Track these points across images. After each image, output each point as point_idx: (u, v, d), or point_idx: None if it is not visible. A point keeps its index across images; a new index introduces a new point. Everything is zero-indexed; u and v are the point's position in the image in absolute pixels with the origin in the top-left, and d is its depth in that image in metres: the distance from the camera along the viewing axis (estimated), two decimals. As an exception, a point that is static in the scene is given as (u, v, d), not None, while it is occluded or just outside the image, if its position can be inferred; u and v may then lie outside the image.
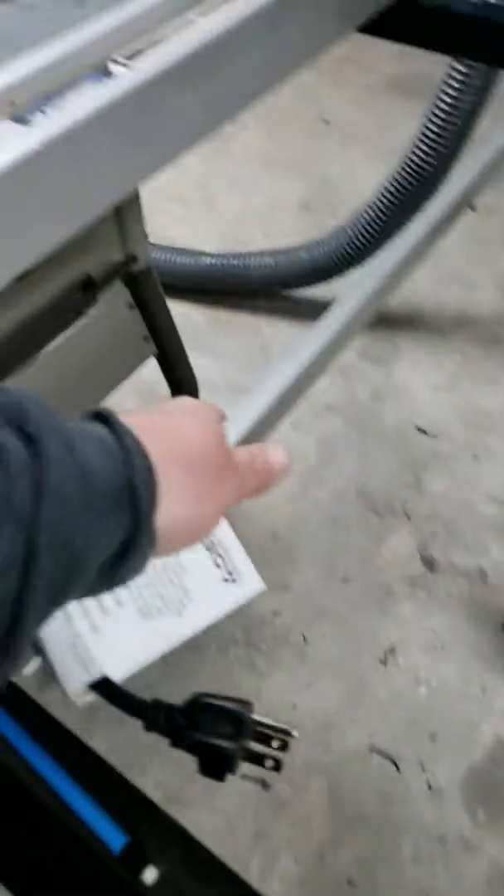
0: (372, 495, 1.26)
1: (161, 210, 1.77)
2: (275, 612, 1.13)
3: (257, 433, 0.91)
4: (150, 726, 0.34)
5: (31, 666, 0.34)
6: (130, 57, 0.48)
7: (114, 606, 0.35)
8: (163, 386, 1.04)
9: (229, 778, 0.34)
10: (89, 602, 0.35)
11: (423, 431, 1.35)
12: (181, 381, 1.21)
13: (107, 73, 0.48)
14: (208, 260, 1.52)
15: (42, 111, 0.44)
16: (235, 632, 1.10)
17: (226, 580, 0.38)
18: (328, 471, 1.29)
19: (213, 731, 0.33)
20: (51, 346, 0.91)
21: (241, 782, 0.34)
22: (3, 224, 0.40)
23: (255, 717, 0.34)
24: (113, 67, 0.48)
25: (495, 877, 0.91)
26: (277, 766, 0.36)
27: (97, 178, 0.46)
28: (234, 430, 0.94)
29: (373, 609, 1.13)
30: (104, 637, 0.34)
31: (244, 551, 0.39)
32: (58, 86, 0.46)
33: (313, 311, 1.54)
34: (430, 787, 0.98)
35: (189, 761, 0.34)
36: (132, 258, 0.97)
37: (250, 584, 0.39)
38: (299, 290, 1.54)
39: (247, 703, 0.35)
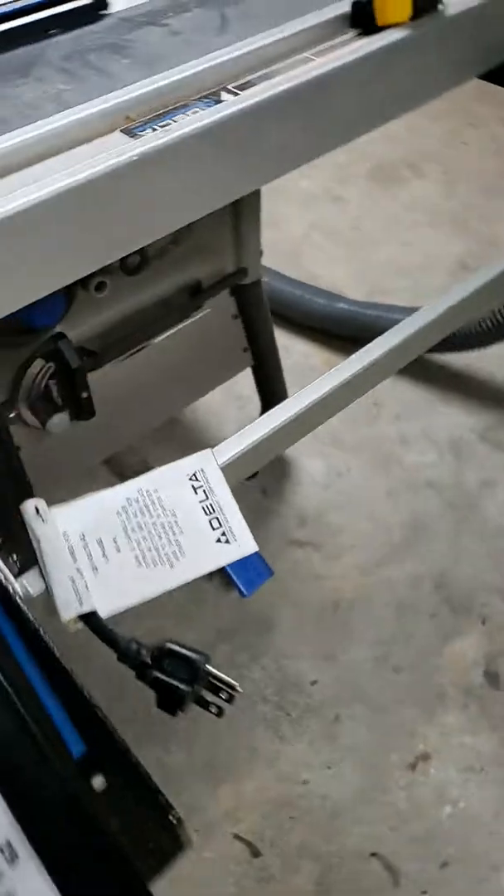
0: (451, 589, 1.18)
1: (312, 243, 1.77)
2: (313, 682, 1.08)
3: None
4: (121, 658, 0.38)
5: (38, 587, 0.38)
6: (242, 87, 0.51)
7: (114, 552, 0.37)
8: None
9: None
10: (93, 546, 0.38)
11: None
12: (273, 395, 1.20)
13: (217, 100, 0.51)
14: (344, 305, 1.50)
15: (154, 128, 0.47)
16: (267, 689, 1.06)
17: (219, 541, 0.41)
18: (410, 552, 1.23)
19: (173, 673, 0.37)
20: (156, 340, 0.94)
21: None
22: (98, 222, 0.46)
23: (209, 668, 0.38)
24: (224, 95, 0.51)
25: None
26: (220, 714, 0.39)
27: (192, 188, 0.51)
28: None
29: (417, 708, 1.06)
30: (101, 577, 0.37)
31: (241, 514, 0.42)
32: (171, 107, 0.50)
33: (439, 374, 1.48)
34: (425, 916, 0.90)
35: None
36: (242, 271, 0.99)
37: (244, 545, 0.42)
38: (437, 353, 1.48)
39: (205, 656, 0.39)
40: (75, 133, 0.46)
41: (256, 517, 1.28)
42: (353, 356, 0.74)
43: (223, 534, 0.38)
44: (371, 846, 0.95)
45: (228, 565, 1.07)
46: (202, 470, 0.38)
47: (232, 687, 0.36)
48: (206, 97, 0.50)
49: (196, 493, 0.37)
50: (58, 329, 0.78)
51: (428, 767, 1.01)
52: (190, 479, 0.37)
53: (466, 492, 1.31)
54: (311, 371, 1.53)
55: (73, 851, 0.34)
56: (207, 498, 0.38)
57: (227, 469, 0.44)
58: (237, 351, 1.12)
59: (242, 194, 0.58)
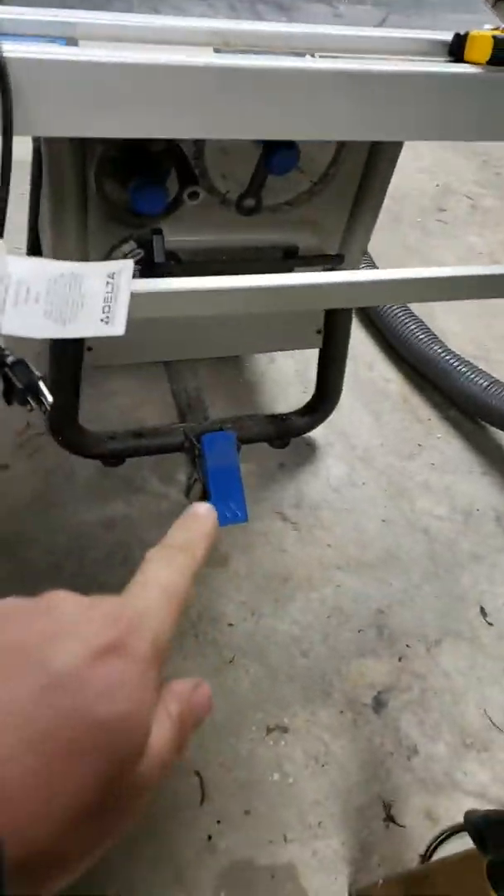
0: (388, 619, 1.25)
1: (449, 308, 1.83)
2: (230, 624, 1.19)
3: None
4: None
5: None
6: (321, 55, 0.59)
7: (33, 301, 0.47)
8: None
9: None
10: (22, 290, 0.47)
11: None
12: (326, 386, 1.31)
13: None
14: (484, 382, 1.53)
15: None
16: (191, 610, 1.18)
17: (102, 320, 0.49)
18: (372, 574, 1.31)
19: (17, 377, 0.47)
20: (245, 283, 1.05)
21: None
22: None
23: (39, 382, 0.47)
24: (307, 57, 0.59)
25: None
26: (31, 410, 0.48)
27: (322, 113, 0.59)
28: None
29: (301, 690, 1.15)
30: (16, 310, 0.47)
31: (126, 312, 0.50)
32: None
33: (492, 448, 1.53)
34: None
35: None
36: (340, 257, 1.08)
37: (117, 329, 0.50)
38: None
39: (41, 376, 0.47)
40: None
41: (263, 482, 1.40)
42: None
43: (108, 318, 0.49)
44: (199, 768, 1.05)
45: (212, 493, 1.19)
46: (119, 272, 0.49)
47: (45, 402, 0.46)
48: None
49: (106, 286, 0.48)
50: (159, 225, 0.93)
51: (280, 739, 1.10)
52: (108, 276, 0.48)
53: (453, 554, 1.37)
54: (382, 396, 1.62)
55: None
56: (111, 293, 0.49)
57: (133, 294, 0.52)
58: (311, 330, 1.23)
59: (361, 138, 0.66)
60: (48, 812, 0.23)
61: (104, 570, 1.19)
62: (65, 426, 1.21)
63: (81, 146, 0.82)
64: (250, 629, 1.19)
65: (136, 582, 0.29)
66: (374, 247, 1.55)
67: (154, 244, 0.92)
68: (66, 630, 0.26)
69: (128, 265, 0.50)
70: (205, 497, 1.19)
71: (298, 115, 0.57)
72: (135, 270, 0.49)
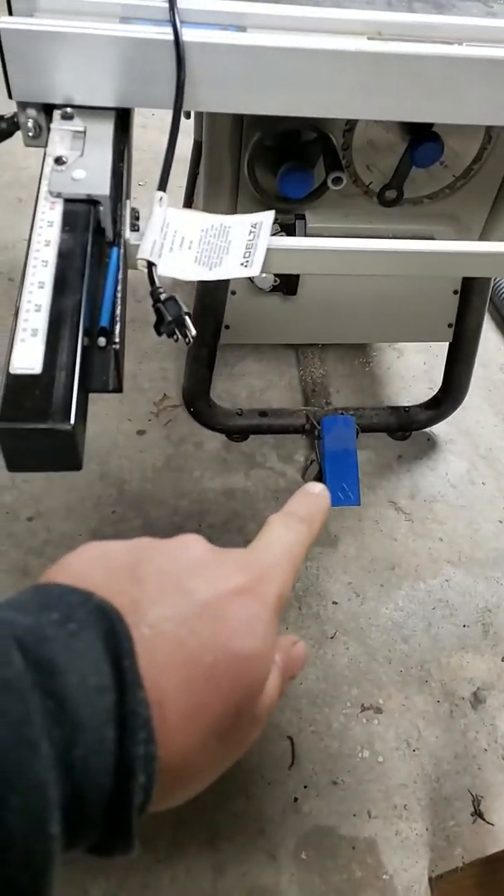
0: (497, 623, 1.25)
1: None
2: (335, 602, 1.22)
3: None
4: (151, 293, 0.52)
5: (137, 240, 0.51)
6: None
7: (186, 248, 0.53)
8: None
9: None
10: (177, 238, 0.53)
11: None
12: (452, 380, 1.32)
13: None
14: None
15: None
16: (297, 584, 1.23)
17: (243, 264, 0.53)
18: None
19: (168, 309, 0.51)
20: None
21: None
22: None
23: (186, 318, 0.51)
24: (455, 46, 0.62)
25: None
26: (177, 340, 0.52)
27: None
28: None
29: (397, 676, 1.17)
30: (171, 254, 0.52)
31: (265, 251, 0.54)
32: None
33: None
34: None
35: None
36: None
37: (255, 270, 0.54)
38: None
39: (188, 313, 0.52)
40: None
41: (380, 471, 1.42)
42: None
43: (247, 262, 0.53)
44: (292, 733, 1.10)
45: (328, 473, 1.23)
46: (262, 223, 0.54)
47: (189, 334, 0.49)
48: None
49: (249, 235, 0.53)
50: (303, 211, 0.98)
51: (373, 718, 1.12)
52: (252, 226, 0.53)
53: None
54: (510, 397, 1.60)
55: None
56: (253, 240, 0.54)
57: (273, 249, 0.56)
58: (443, 323, 1.25)
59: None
60: (188, 727, 0.25)
61: (220, 536, 1.27)
62: (197, 399, 1.29)
63: (239, 133, 0.89)
64: (354, 609, 1.23)
65: (261, 540, 0.31)
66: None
67: (297, 227, 0.98)
68: (204, 567, 0.28)
69: (269, 216, 0.55)
70: (320, 479, 1.23)
71: (442, 100, 0.61)
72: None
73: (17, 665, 0.22)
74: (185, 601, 0.26)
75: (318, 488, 0.35)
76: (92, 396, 0.45)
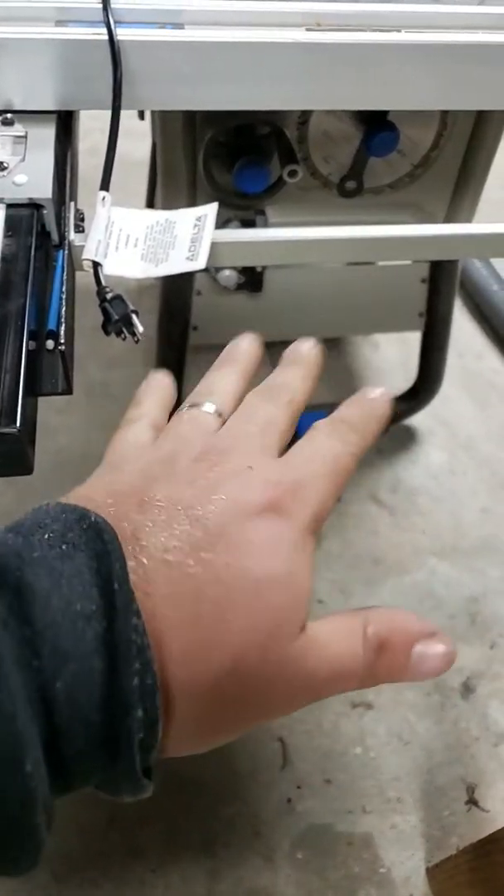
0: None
1: None
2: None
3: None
4: (98, 293, 0.51)
5: (81, 241, 0.51)
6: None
7: (131, 246, 0.53)
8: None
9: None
10: (122, 236, 0.52)
11: None
12: (428, 371, 1.32)
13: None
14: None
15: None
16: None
17: (188, 258, 0.53)
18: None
19: (115, 308, 0.50)
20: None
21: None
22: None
23: (133, 316, 0.50)
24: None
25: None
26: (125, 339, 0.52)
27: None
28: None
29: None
30: (116, 253, 0.51)
31: (209, 248, 0.54)
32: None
33: None
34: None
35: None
36: None
37: (199, 264, 0.53)
38: None
39: (134, 311, 0.51)
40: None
41: (360, 467, 1.41)
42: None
43: (192, 255, 0.52)
44: (282, 735, 1.09)
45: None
46: (206, 216, 0.54)
47: (136, 333, 0.49)
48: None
49: (193, 228, 0.53)
50: (263, 207, 0.98)
51: (364, 714, 1.12)
52: (196, 219, 0.53)
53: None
54: (489, 387, 1.60)
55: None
56: (198, 233, 0.53)
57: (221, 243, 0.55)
58: (413, 313, 1.25)
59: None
60: (194, 664, 0.22)
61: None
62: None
63: (192, 131, 0.88)
64: (340, 607, 1.22)
65: (301, 450, 0.26)
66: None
67: (257, 223, 0.97)
68: (225, 485, 0.24)
69: (213, 208, 0.55)
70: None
71: (385, 87, 0.61)
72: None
73: None
74: (197, 529, 0.23)
75: (377, 392, 0.29)
76: (61, 407, 0.44)
